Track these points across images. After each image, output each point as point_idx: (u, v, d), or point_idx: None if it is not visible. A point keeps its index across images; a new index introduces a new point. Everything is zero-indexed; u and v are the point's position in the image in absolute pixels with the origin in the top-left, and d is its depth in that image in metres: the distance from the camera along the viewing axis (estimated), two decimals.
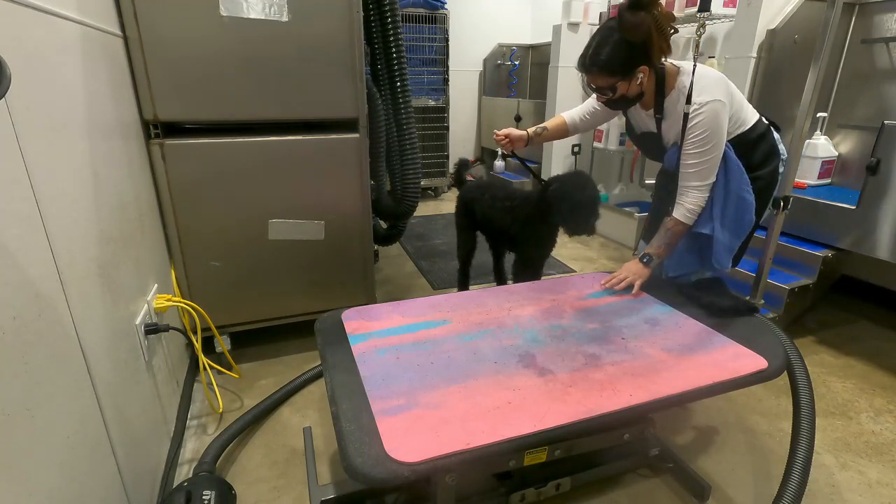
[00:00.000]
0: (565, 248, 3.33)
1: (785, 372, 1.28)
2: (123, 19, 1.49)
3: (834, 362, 2.07)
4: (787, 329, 2.04)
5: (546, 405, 1.07)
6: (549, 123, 1.81)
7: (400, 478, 0.90)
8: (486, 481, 1.31)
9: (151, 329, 1.37)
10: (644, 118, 1.62)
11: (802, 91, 1.71)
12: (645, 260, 1.61)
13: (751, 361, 1.24)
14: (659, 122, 1.56)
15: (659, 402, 1.11)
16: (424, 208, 4.25)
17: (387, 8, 2.00)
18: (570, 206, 1.68)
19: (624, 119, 1.79)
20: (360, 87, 1.81)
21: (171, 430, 1.49)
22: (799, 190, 2.38)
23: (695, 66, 1.45)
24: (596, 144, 3.59)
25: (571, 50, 3.66)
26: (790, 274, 2.26)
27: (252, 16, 1.61)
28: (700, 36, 1.51)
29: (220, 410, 1.69)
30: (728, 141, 1.50)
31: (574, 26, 3.60)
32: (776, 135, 1.62)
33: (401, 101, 2.15)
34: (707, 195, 1.51)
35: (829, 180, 2.54)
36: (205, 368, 1.64)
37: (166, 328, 1.43)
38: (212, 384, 1.75)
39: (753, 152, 1.56)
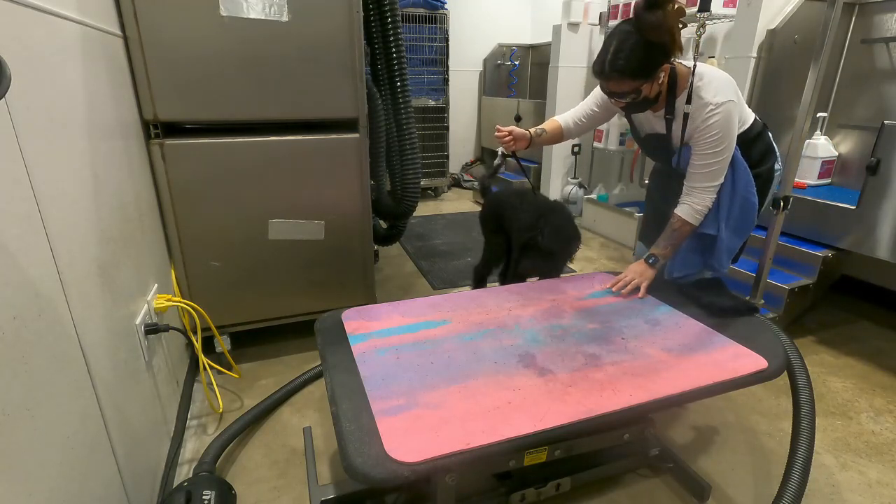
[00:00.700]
0: None
1: (785, 372, 1.28)
2: (123, 19, 1.49)
3: (834, 362, 2.07)
4: (787, 329, 2.04)
5: (546, 405, 1.07)
6: (547, 126, 1.79)
7: (400, 478, 0.90)
8: (486, 481, 1.31)
9: (151, 329, 1.37)
10: (651, 119, 1.60)
11: (802, 91, 1.71)
12: (651, 261, 1.60)
13: (751, 361, 1.24)
14: (669, 122, 1.53)
15: (659, 402, 1.11)
16: (424, 208, 4.25)
17: (387, 8, 2.01)
18: (560, 246, 1.78)
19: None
20: (360, 87, 1.81)
21: (171, 430, 1.49)
22: (799, 190, 2.38)
23: (694, 65, 1.45)
24: (596, 144, 3.59)
25: (571, 50, 3.66)
26: (790, 274, 2.27)
27: (252, 16, 1.61)
28: (700, 36, 1.50)
29: (220, 410, 1.69)
30: None
31: (574, 26, 3.60)
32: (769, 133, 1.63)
33: (401, 101, 2.15)
34: (715, 196, 1.51)
35: (829, 180, 2.54)
36: (205, 368, 1.64)
37: (166, 328, 1.43)
38: (212, 384, 1.75)
39: (752, 150, 1.56)
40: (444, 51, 4.25)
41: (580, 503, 1.37)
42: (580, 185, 3.94)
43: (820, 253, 2.19)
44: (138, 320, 1.30)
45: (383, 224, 2.49)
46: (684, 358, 1.26)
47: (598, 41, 3.63)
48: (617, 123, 3.29)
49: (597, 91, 1.64)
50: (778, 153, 1.63)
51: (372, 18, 2.04)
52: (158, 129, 1.64)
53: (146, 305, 1.39)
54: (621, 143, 3.41)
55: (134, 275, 1.33)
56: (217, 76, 1.63)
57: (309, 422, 1.65)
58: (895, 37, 2.32)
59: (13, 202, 0.76)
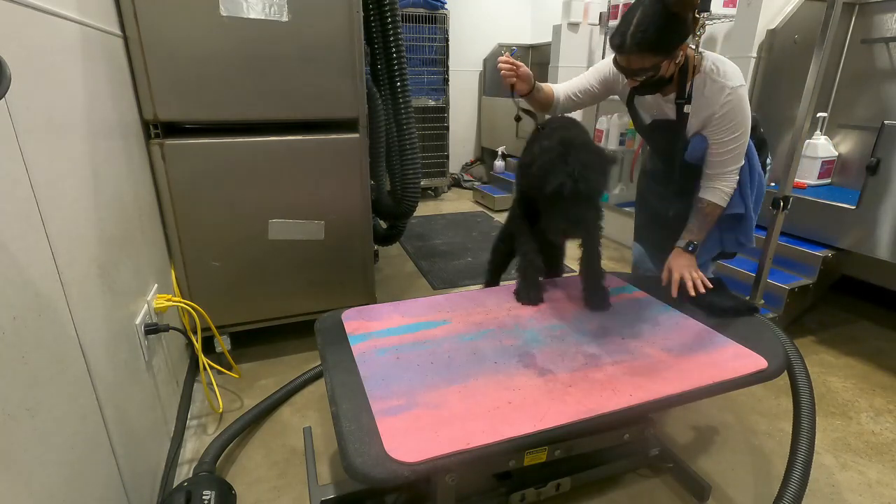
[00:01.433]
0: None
1: (785, 372, 1.28)
2: (123, 19, 1.49)
3: (834, 362, 2.07)
4: (787, 329, 2.04)
5: (546, 405, 1.07)
6: (544, 87, 1.64)
7: (400, 478, 0.90)
8: (486, 481, 1.31)
9: (151, 329, 1.37)
10: (661, 104, 1.56)
11: (802, 91, 1.71)
12: (690, 248, 1.57)
13: (751, 361, 1.24)
14: (681, 107, 1.49)
15: (659, 402, 1.11)
16: (424, 208, 4.25)
17: (387, 8, 2.01)
18: (599, 184, 1.39)
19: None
20: (360, 87, 1.81)
21: (171, 430, 1.49)
22: (799, 190, 2.38)
23: (702, 51, 1.45)
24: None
25: (571, 50, 3.66)
26: (790, 274, 2.26)
27: (252, 16, 1.61)
28: (700, 36, 1.50)
29: (220, 410, 1.69)
30: None
31: (574, 26, 3.60)
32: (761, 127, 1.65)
33: (401, 101, 2.15)
34: (738, 177, 1.51)
35: (829, 180, 2.54)
36: (205, 368, 1.64)
37: (166, 328, 1.43)
38: (212, 384, 1.75)
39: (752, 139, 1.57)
40: (444, 51, 4.24)
41: (580, 503, 1.37)
42: None
43: (820, 253, 2.19)
44: (138, 320, 1.30)
45: (383, 224, 2.49)
46: (684, 358, 1.26)
47: (598, 41, 3.63)
48: (617, 123, 3.29)
49: (600, 67, 1.60)
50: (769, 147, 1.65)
51: (372, 18, 2.04)
52: (158, 129, 1.64)
53: (146, 305, 1.39)
54: (621, 143, 3.41)
55: (134, 275, 1.33)
56: (217, 76, 1.63)
57: (309, 422, 1.65)
58: (895, 37, 2.32)
59: (13, 202, 0.76)
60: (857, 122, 2.49)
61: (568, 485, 1.32)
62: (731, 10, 2.64)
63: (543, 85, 1.65)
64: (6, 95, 0.61)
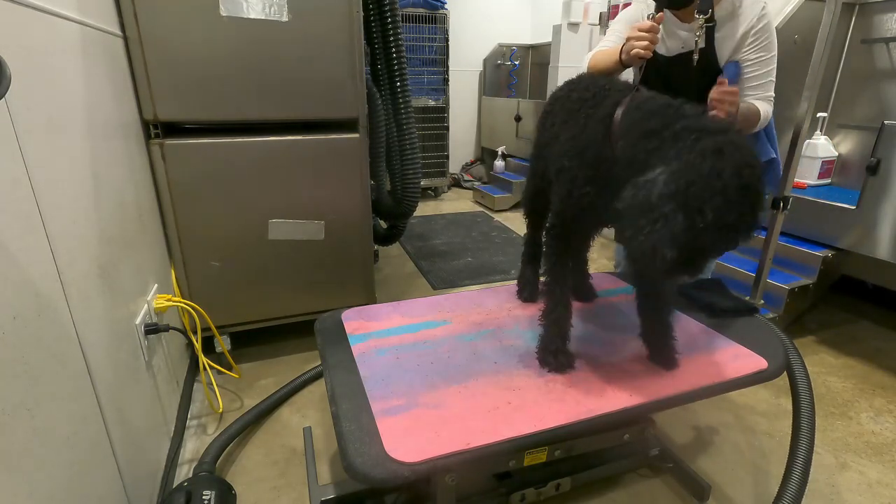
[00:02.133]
0: None
1: (785, 372, 1.28)
2: (123, 19, 1.49)
3: (834, 362, 2.07)
4: (787, 329, 2.04)
5: (546, 405, 1.07)
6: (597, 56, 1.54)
7: (400, 478, 0.90)
8: (486, 481, 1.31)
9: (151, 329, 1.37)
10: (685, 34, 1.49)
11: (802, 91, 1.71)
12: None
13: (751, 362, 1.24)
14: (711, 31, 1.43)
15: (659, 403, 1.11)
16: (424, 208, 4.25)
17: (387, 8, 2.01)
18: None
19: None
20: (360, 87, 1.81)
21: (171, 430, 1.49)
22: (799, 190, 2.38)
23: (695, 65, 1.44)
24: None
25: (571, 50, 3.66)
26: (790, 274, 2.26)
27: (252, 16, 1.61)
28: (700, 36, 1.49)
29: (220, 410, 1.69)
30: None
31: (574, 26, 3.60)
32: None
33: (401, 101, 2.15)
34: (772, 108, 1.50)
35: (829, 180, 2.54)
36: (205, 368, 1.64)
37: (166, 328, 1.43)
38: (212, 384, 1.75)
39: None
40: (444, 51, 4.25)
41: (580, 503, 1.37)
42: None
43: (820, 253, 2.19)
44: (138, 320, 1.30)
45: (383, 224, 2.49)
46: (684, 358, 1.25)
47: (598, 41, 3.63)
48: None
49: (623, 17, 1.59)
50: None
51: (372, 18, 2.04)
52: (158, 129, 1.64)
53: (146, 305, 1.39)
54: None
55: (134, 275, 1.33)
56: (217, 76, 1.63)
57: (309, 422, 1.65)
58: (895, 37, 2.32)
59: (13, 202, 0.76)
60: (857, 122, 2.49)
61: (568, 485, 1.32)
62: None
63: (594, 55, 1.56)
64: (6, 95, 0.61)
